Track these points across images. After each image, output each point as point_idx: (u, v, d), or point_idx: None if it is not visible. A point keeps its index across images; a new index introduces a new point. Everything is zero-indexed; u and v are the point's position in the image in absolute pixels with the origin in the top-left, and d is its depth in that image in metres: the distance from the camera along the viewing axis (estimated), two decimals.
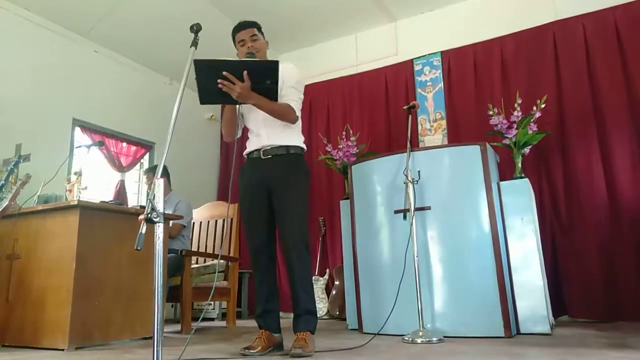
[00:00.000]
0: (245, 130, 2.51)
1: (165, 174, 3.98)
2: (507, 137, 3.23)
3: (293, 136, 2.38)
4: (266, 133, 2.35)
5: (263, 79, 2.07)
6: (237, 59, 2.25)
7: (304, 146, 2.44)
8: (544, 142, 3.50)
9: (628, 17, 3.74)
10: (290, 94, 2.32)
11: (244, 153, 2.47)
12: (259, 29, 2.44)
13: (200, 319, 2.57)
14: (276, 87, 2.13)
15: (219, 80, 2.02)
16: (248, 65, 2.04)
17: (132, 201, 4.83)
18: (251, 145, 2.41)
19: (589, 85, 3.79)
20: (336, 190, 4.74)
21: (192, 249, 4.05)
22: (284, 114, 2.28)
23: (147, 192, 4.19)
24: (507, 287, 2.80)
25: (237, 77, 2.03)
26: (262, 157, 2.34)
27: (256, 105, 2.19)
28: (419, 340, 2.56)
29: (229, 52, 2.41)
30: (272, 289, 2.35)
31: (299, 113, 2.35)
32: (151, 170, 4.15)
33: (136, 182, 5.08)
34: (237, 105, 2.25)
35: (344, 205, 3.61)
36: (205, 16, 4.24)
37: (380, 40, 4.97)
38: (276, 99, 2.19)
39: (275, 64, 2.04)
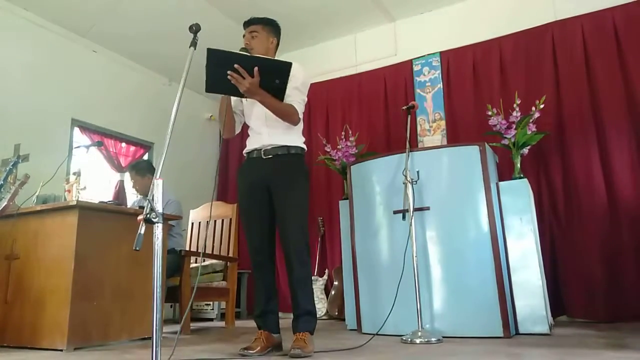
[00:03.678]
0: (245, 128, 2.51)
1: (150, 170, 3.93)
2: (506, 138, 3.23)
3: (294, 136, 2.38)
4: (267, 132, 2.35)
5: (273, 77, 2.11)
6: (250, 54, 2.26)
7: (305, 147, 2.44)
8: (543, 142, 3.50)
9: (627, 18, 3.74)
10: (294, 95, 2.31)
11: (244, 152, 2.46)
12: (267, 26, 2.42)
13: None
14: (284, 88, 2.17)
15: (228, 72, 2.05)
16: (260, 62, 2.08)
17: (131, 201, 4.82)
18: (251, 144, 2.41)
19: (588, 86, 3.79)
20: (335, 190, 4.74)
21: (191, 249, 4.04)
22: (287, 115, 2.28)
23: (134, 189, 4.11)
24: (506, 287, 2.80)
25: (247, 71, 2.06)
26: (262, 157, 2.34)
27: (261, 102, 2.21)
28: (417, 341, 2.56)
29: None
30: (271, 290, 2.36)
31: (301, 115, 2.35)
32: (133, 169, 4.01)
33: None
34: (233, 102, 2.26)
35: (343, 205, 3.61)
36: (205, 16, 4.24)
37: (380, 40, 4.97)
38: (282, 99, 2.22)
39: (287, 66, 2.09)
